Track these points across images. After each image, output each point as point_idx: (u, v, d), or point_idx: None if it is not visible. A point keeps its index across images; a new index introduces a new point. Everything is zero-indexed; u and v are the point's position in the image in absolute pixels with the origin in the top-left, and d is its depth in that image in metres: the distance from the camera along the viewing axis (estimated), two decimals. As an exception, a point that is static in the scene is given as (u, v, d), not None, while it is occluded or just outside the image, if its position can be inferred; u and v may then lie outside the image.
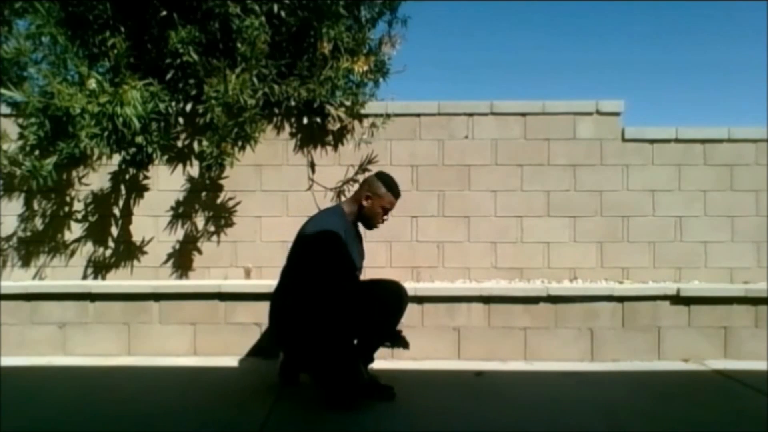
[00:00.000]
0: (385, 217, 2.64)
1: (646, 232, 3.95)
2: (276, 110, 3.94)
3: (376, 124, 3.91)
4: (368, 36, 4.01)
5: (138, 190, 3.99)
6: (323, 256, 2.42)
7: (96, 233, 3.98)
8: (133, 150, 3.63)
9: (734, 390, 2.80)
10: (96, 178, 3.96)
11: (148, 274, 3.95)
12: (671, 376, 3.07)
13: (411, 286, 3.19)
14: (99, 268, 3.98)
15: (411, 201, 3.95)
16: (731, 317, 3.37)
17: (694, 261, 3.95)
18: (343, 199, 3.82)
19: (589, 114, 3.97)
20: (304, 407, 2.47)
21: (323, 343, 2.42)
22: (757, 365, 3.17)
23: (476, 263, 3.94)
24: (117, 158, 3.79)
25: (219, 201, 3.98)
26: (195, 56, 3.60)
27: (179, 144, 3.94)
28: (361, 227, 2.74)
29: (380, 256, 3.88)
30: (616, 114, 3.98)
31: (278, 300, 2.58)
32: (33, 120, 3.48)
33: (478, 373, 3.03)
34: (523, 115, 3.98)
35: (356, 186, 3.58)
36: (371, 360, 2.69)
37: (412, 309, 3.18)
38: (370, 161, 3.92)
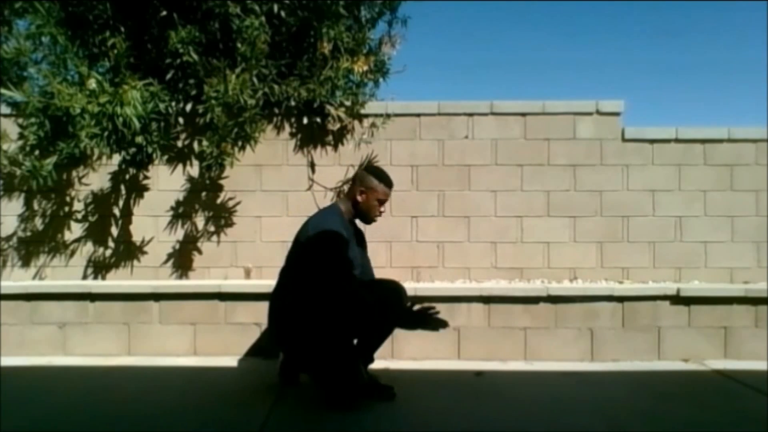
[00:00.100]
0: (381, 209, 2.64)
1: (646, 232, 3.95)
2: (276, 110, 3.94)
3: (376, 124, 3.91)
4: (368, 36, 4.01)
5: (138, 190, 3.99)
6: (326, 256, 2.42)
7: (96, 233, 3.99)
8: (133, 150, 3.63)
9: (734, 390, 2.80)
10: (96, 178, 3.96)
11: (148, 274, 3.95)
12: (671, 376, 3.07)
13: (411, 286, 3.20)
14: (99, 268, 3.98)
15: (411, 201, 3.95)
16: (731, 317, 3.37)
17: (694, 261, 3.95)
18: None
19: (589, 114, 3.97)
20: (304, 407, 2.47)
21: (323, 343, 2.42)
22: (757, 365, 3.17)
23: (476, 263, 3.94)
24: (117, 158, 3.79)
25: (219, 201, 3.98)
26: (195, 56, 3.60)
27: (179, 144, 3.94)
28: (361, 224, 2.74)
29: (380, 256, 3.88)
30: (616, 114, 3.98)
31: (278, 300, 2.58)
32: (33, 120, 3.48)
33: (478, 373, 3.03)
34: (523, 115, 3.98)
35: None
36: (371, 360, 2.70)
37: (412, 309, 3.19)
38: (370, 161, 3.92)
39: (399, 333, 2.99)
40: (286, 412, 2.43)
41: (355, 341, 2.60)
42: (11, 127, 3.78)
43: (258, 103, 3.67)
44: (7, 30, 3.68)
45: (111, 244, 3.98)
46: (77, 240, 3.99)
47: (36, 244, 3.98)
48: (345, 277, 2.46)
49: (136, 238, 3.98)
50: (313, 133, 3.99)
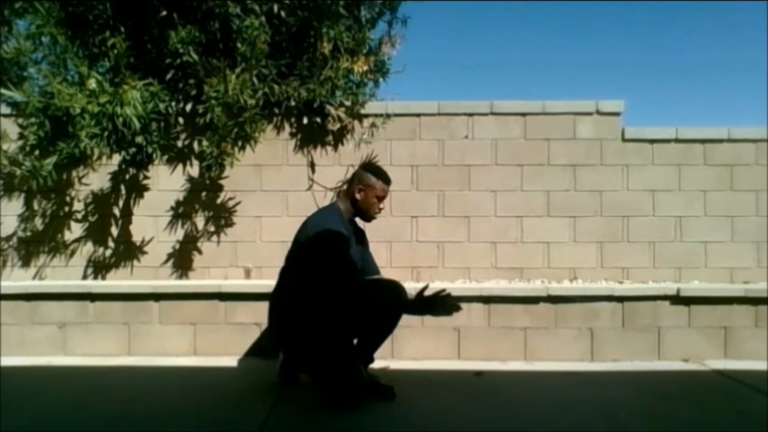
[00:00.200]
0: (381, 206, 2.64)
1: (646, 232, 3.95)
2: (276, 110, 3.94)
3: (376, 124, 3.91)
4: (368, 36, 4.01)
5: (138, 190, 3.99)
6: (326, 255, 2.42)
7: (96, 233, 3.98)
8: (133, 150, 3.63)
9: (734, 390, 2.80)
10: (96, 178, 3.96)
11: (148, 274, 3.95)
12: (671, 376, 3.07)
13: (411, 286, 3.17)
14: (99, 268, 3.98)
15: (411, 201, 3.95)
16: (731, 317, 3.37)
17: (694, 261, 3.95)
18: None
19: (589, 114, 3.97)
20: (304, 407, 2.47)
21: (323, 343, 2.42)
22: (757, 365, 3.17)
23: (476, 263, 3.94)
24: (117, 158, 3.79)
25: (219, 201, 3.98)
26: (195, 56, 3.60)
27: (179, 144, 3.94)
28: (361, 223, 2.74)
29: (380, 256, 3.85)
30: (616, 114, 3.98)
31: (278, 300, 2.58)
32: (33, 120, 3.48)
33: (478, 373, 3.03)
34: (523, 115, 3.98)
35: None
36: (371, 360, 2.69)
37: (412, 309, 3.19)
38: (370, 161, 3.92)
39: (399, 333, 2.99)
40: (286, 412, 2.43)
41: (355, 341, 2.60)
42: (11, 127, 3.78)
43: (258, 103, 3.67)
44: (7, 30, 3.68)
45: (111, 244, 3.98)
46: (77, 240, 3.99)
47: (36, 244, 3.98)
48: (345, 275, 2.46)
49: (136, 238, 3.98)
50: (313, 133, 3.98)
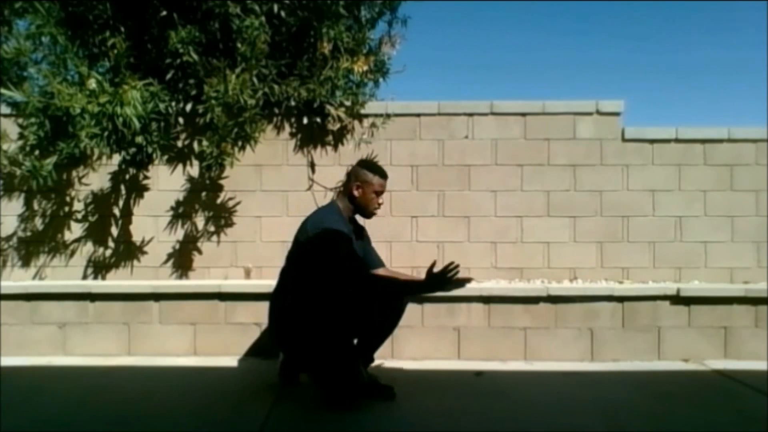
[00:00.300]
0: (379, 201, 2.64)
1: (646, 232, 3.95)
2: (276, 110, 3.94)
3: (376, 124, 3.91)
4: (368, 36, 4.01)
5: (138, 190, 3.99)
6: (328, 253, 2.42)
7: (96, 233, 3.98)
8: (133, 150, 3.63)
9: (734, 390, 2.80)
10: (96, 178, 3.96)
11: (148, 274, 3.95)
12: (671, 376, 3.07)
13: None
14: (99, 268, 3.98)
15: (411, 201, 3.95)
16: (731, 317, 3.37)
17: (694, 261, 3.95)
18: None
19: (589, 114, 3.97)
20: (304, 407, 2.47)
21: (323, 343, 2.42)
22: (757, 365, 3.17)
23: (476, 263, 3.94)
24: (117, 158, 3.79)
25: (219, 201, 3.98)
26: (195, 56, 3.60)
27: (179, 144, 3.94)
28: (361, 220, 2.74)
29: (380, 257, 3.87)
30: (616, 114, 3.98)
31: (278, 300, 2.58)
32: (33, 120, 3.48)
33: (478, 373, 3.03)
34: (523, 115, 3.98)
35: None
36: (371, 360, 2.70)
37: (412, 309, 3.19)
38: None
39: (399, 333, 2.98)
40: (286, 412, 2.43)
41: (355, 341, 2.60)
42: (11, 127, 3.77)
43: (258, 103, 3.67)
44: (7, 30, 3.68)
45: (111, 244, 3.98)
46: (77, 240, 3.99)
47: (36, 244, 3.98)
48: (351, 270, 2.45)
49: (136, 238, 3.98)
50: (313, 133, 3.98)
